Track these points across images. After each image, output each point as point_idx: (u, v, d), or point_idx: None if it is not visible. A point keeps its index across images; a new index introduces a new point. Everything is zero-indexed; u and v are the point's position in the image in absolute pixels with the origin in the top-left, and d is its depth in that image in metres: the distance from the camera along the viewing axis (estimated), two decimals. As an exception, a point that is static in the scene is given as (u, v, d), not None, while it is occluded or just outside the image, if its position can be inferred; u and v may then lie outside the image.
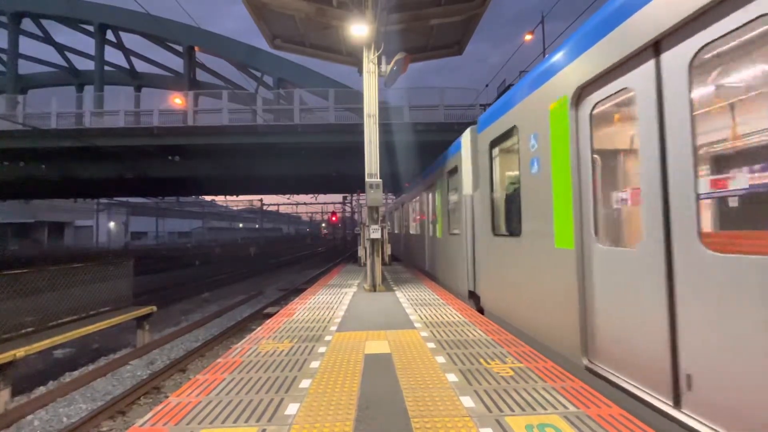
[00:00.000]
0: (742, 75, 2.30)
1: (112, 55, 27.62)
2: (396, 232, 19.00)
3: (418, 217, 11.75)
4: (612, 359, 2.75)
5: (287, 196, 39.75)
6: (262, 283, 17.89)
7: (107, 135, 17.57)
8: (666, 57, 2.32)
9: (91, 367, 6.74)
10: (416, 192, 11.99)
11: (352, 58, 9.29)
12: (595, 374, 2.86)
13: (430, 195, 9.63)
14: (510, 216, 4.72)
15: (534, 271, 3.91)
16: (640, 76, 2.51)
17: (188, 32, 24.35)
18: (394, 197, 26.58)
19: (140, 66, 28.66)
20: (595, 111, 2.98)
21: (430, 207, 9.70)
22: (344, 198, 46.39)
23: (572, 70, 3.17)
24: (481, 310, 5.62)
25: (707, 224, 2.41)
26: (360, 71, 8.10)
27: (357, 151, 8.30)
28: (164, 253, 36.27)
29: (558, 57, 3.45)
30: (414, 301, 6.30)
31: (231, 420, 2.37)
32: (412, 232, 13.46)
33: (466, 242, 6.26)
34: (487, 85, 18.69)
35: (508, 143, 4.76)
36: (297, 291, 14.07)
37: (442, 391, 2.74)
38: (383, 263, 7.86)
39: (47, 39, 28.04)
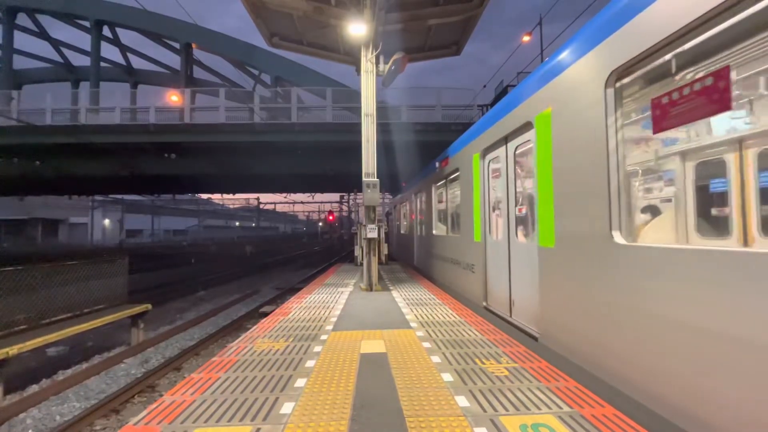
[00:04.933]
0: None
1: (109, 52, 27.47)
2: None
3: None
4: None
5: (284, 194, 39.66)
6: (258, 282, 17.84)
7: (103, 132, 17.43)
8: None
9: (84, 365, 6.69)
10: None
11: (350, 58, 9.27)
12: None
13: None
14: None
15: None
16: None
17: (186, 29, 24.22)
18: (391, 197, 26.46)
19: (137, 63, 28.57)
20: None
21: None
22: (341, 197, 46.38)
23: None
24: None
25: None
26: (358, 70, 8.09)
27: (354, 150, 8.28)
28: (160, 251, 36.03)
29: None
30: (410, 300, 6.30)
31: (225, 419, 2.37)
32: None
33: None
34: (484, 86, 18.76)
35: None
36: (293, 290, 14.05)
37: (437, 390, 2.74)
38: (380, 263, 7.85)
39: (43, 34, 27.81)
